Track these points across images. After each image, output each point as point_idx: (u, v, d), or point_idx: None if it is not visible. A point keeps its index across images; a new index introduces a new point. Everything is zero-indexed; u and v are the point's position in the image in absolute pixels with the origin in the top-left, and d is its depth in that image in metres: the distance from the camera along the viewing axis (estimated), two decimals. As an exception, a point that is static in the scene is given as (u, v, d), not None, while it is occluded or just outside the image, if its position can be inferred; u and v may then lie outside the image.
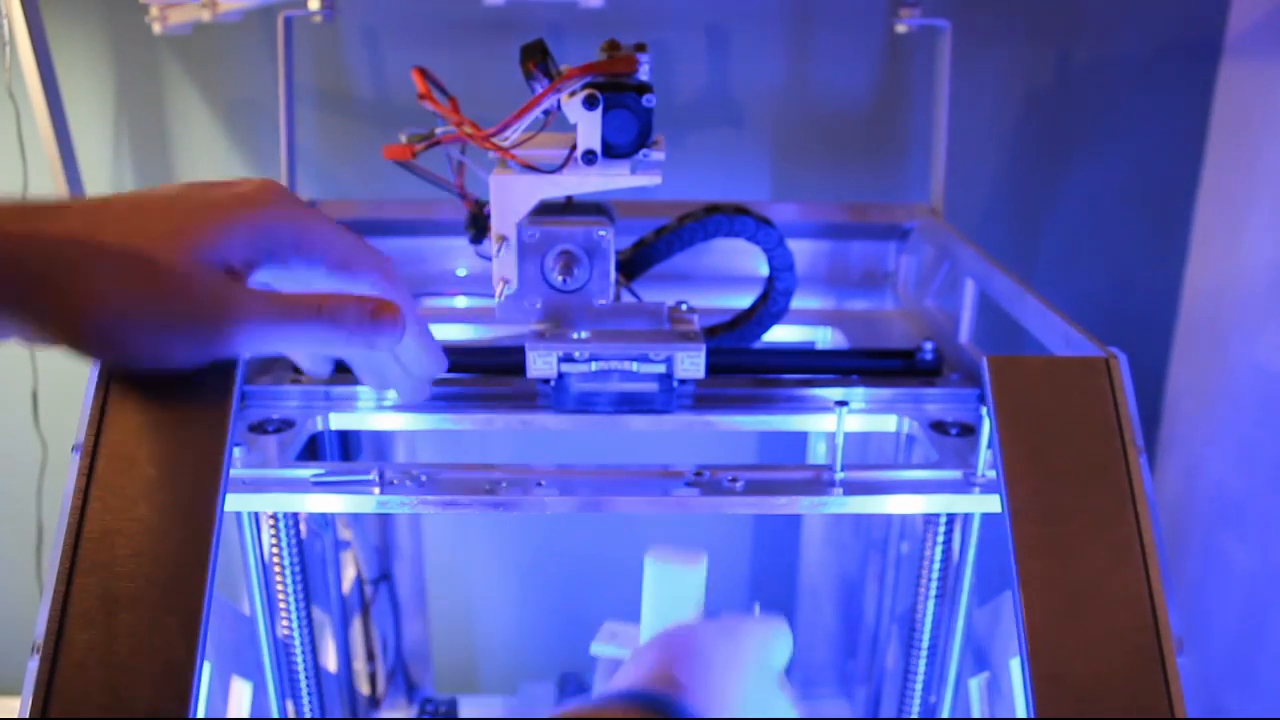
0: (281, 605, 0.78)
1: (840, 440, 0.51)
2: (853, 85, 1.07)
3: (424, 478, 0.51)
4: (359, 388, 0.61)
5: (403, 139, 0.57)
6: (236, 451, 0.51)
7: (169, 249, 0.40)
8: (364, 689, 1.01)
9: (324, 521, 0.86)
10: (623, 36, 0.62)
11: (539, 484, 0.52)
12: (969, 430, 0.58)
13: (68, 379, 1.10)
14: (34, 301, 0.39)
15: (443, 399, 0.62)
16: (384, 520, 1.01)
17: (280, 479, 0.51)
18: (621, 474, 0.53)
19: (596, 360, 0.55)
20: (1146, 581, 0.44)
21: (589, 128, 0.53)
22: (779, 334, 0.80)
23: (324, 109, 1.07)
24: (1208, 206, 1.10)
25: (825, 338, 0.85)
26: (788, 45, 1.05)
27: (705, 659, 0.41)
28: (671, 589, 0.50)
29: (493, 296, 0.59)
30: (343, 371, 0.54)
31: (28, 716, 0.38)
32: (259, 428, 0.57)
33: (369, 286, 0.46)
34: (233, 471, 0.50)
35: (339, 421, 0.61)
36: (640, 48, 0.59)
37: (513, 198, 0.55)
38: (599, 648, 0.57)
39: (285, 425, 0.57)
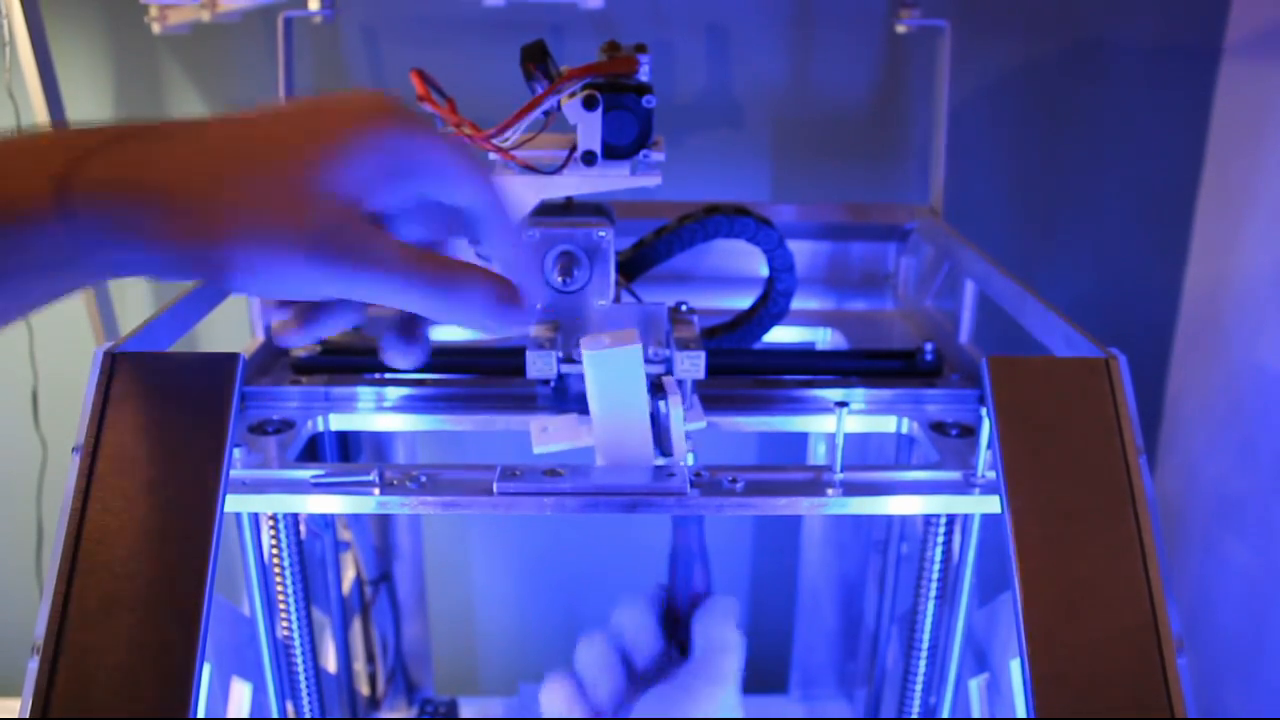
0: (281, 606, 0.78)
1: (840, 441, 0.51)
2: (853, 85, 1.07)
3: (424, 478, 0.50)
4: (359, 388, 0.61)
5: (403, 140, 0.56)
6: (236, 452, 0.51)
7: (298, 174, 0.37)
8: (364, 690, 1.01)
9: (324, 522, 0.86)
10: (623, 37, 0.62)
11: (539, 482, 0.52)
12: (969, 431, 0.58)
13: (68, 379, 1.10)
14: (165, 236, 0.37)
15: (442, 400, 0.62)
16: (384, 521, 1.01)
17: (280, 480, 0.51)
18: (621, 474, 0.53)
19: None
20: (1146, 581, 0.44)
21: (589, 129, 0.53)
22: (779, 335, 0.80)
23: (324, 109, 1.07)
24: (1208, 206, 1.10)
25: (825, 338, 0.85)
26: (788, 45, 1.05)
27: None
28: (613, 372, 0.49)
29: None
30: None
31: (28, 716, 0.38)
32: (259, 428, 0.57)
33: (482, 214, 0.43)
34: (233, 472, 0.50)
35: (339, 422, 0.61)
36: (640, 49, 0.59)
37: (512, 199, 0.55)
38: (540, 448, 0.55)
39: (285, 426, 0.57)
